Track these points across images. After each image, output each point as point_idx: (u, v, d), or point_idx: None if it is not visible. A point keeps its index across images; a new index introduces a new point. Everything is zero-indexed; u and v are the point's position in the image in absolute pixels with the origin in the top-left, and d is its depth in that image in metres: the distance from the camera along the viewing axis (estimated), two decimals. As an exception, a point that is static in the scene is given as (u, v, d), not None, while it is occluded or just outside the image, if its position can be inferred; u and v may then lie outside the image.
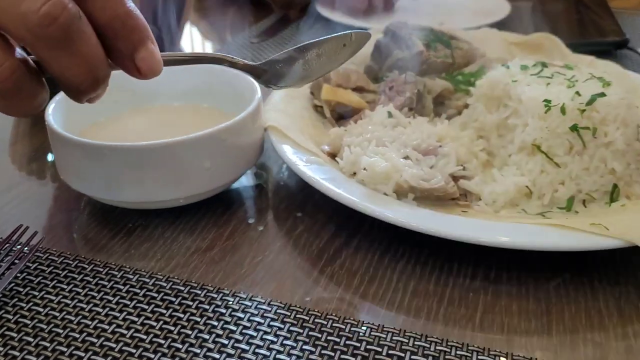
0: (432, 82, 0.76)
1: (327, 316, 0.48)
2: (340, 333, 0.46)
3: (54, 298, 0.50)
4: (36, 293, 0.51)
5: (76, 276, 0.53)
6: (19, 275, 0.52)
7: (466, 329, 0.48)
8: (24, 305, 0.49)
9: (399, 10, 1.25)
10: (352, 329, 0.47)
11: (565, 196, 0.57)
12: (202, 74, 0.71)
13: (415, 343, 0.46)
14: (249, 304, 0.49)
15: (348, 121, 0.72)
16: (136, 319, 0.48)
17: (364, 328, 0.47)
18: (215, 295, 0.50)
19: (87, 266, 0.54)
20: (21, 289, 0.51)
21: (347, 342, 0.46)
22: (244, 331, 0.46)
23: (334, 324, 0.47)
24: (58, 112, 0.62)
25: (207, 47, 1.24)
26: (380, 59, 0.81)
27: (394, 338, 0.46)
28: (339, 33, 0.56)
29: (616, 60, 1.01)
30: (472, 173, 0.60)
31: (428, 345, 0.46)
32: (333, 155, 0.65)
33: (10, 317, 0.48)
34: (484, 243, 0.50)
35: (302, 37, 1.15)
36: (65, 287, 0.51)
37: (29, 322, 0.48)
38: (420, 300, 0.51)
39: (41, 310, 0.49)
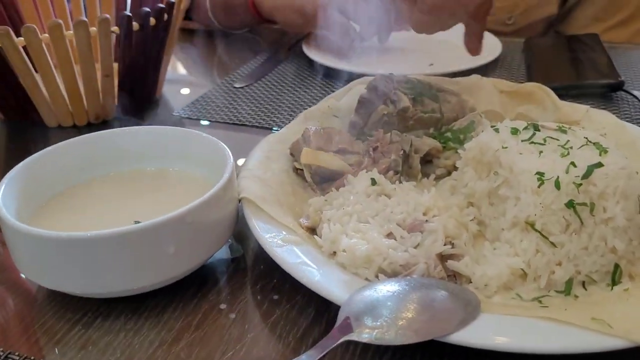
0: (420, 140, 0.72)
1: None
2: None
3: (-3, 412, 0.45)
4: (-22, 405, 0.46)
5: (24, 383, 0.48)
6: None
7: None
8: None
9: (388, 51, 1.21)
10: None
11: (563, 279, 0.52)
12: (172, 136, 0.67)
13: None
14: (214, 418, 0.44)
15: (331, 185, 0.67)
16: None
17: None
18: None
19: (36, 369, 0.49)
20: (-38, 400, 0.46)
21: None
22: None
23: None
24: (13, 189, 0.57)
25: (192, 88, 1.20)
26: (364, 114, 0.77)
27: None
28: None
29: (612, 103, 0.98)
30: (461, 251, 0.55)
31: None
32: (312, 230, 0.61)
33: None
34: (477, 346, 0.45)
35: (289, 80, 1.11)
36: (10, 397, 0.46)
37: None
38: (406, 406, 0.46)
39: None
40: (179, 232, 0.52)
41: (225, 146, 0.62)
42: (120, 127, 0.69)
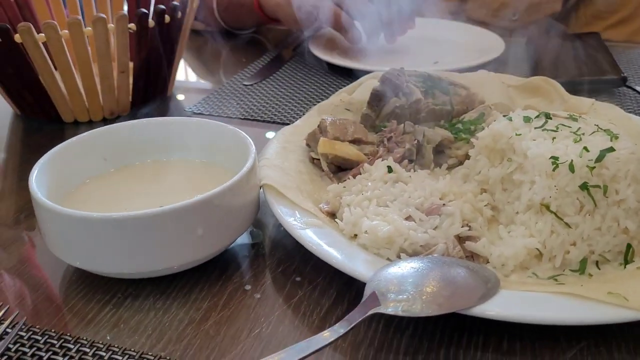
0: (432, 131, 0.74)
1: (332, 401, 0.45)
2: (346, 422, 0.43)
3: (35, 386, 0.47)
4: (17, 379, 0.47)
5: (60, 358, 0.49)
6: (-2, 359, 0.49)
7: (480, 411, 0.45)
8: (3, 394, 0.46)
9: (393, 50, 1.23)
10: (359, 416, 0.44)
11: (578, 258, 0.54)
12: (194, 127, 0.68)
13: None
14: (247, 389, 0.46)
15: (347, 174, 0.69)
16: (125, 410, 0.44)
17: (372, 415, 0.44)
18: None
19: (72, 346, 0.50)
20: (1, 375, 0.48)
21: None
22: (241, 422, 0.43)
23: (338, 411, 0.44)
24: (43, 175, 0.59)
25: (201, 86, 1.21)
26: (377, 106, 0.79)
27: None
28: None
29: (615, 99, 1.00)
30: (478, 233, 0.57)
31: None
32: (332, 214, 0.62)
33: (-11, 408, 0.45)
34: (499, 318, 0.47)
35: (297, 78, 1.13)
36: (48, 372, 0.48)
37: (8, 414, 0.44)
38: (430, 378, 0.48)
39: (22, 400, 0.45)
40: (207, 215, 0.54)
41: (247, 136, 0.64)
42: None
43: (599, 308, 0.47)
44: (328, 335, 0.44)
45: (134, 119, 0.93)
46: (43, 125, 0.95)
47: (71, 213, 0.51)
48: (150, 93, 0.97)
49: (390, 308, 0.46)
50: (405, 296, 0.47)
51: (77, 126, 0.95)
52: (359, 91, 0.85)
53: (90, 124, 0.95)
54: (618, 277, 0.53)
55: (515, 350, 0.50)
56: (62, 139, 0.96)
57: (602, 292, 0.48)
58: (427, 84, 0.80)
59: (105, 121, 0.95)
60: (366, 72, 0.96)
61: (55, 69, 0.87)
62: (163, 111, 1.01)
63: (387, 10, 1.15)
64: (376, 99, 0.79)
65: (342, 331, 0.44)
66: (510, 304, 0.48)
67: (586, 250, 0.54)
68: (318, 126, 0.72)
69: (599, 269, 0.54)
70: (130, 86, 0.94)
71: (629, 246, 0.55)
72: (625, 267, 0.54)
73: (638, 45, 1.32)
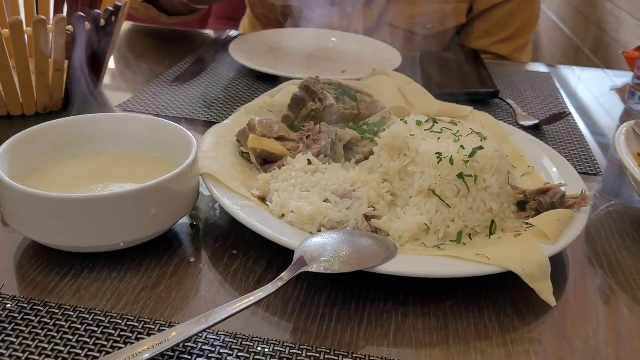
0: (342, 131, 0.87)
1: (269, 341, 0.57)
2: (282, 356, 0.55)
3: (14, 340, 0.54)
4: (-5, 337, 0.54)
5: (33, 318, 0.57)
6: (-25, 320, 0.56)
7: (383, 346, 0.59)
8: (-16, 348, 0.53)
9: (306, 58, 1.36)
10: (291, 351, 0.56)
11: (455, 231, 0.70)
12: (137, 123, 0.77)
13: None
14: (200, 334, 0.56)
15: (272, 166, 0.81)
16: (98, 355, 0.53)
17: (300, 350, 0.56)
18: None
19: (42, 308, 0.58)
20: (-21, 334, 0.55)
21: (288, 362, 0.55)
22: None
23: (275, 348, 0.56)
24: (3, 160, 0.65)
25: (127, 85, 1.27)
26: (296, 109, 0.92)
27: (326, 357, 0.56)
28: None
29: (490, 108, 1.20)
30: (381, 213, 0.71)
31: (354, 360, 0.56)
32: (262, 199, 0.74)
33: (-28, 360, 0.52)
34: (396, 274, 0.61)
35: (220, 81, 1.23)
36: (24, 329, 0.56)
37: (-8, 364, 0.52)
38: (344, 323, 0.61)
39: (4, 352, 0.53)
40: (160, 197, 0.63)
41: (188, 132, 0.74)
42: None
43: (469, 265, 0.63)
44: (271, 287, 0.55)
45: (66, 114, 0.99)
46: (-27, 118, 0.98)
47: (36, 194, 0.59)
48: (83, 90, 1.03)
49: (315, 267, 0.59)
50: (326, 258, 0.59)
51: (10, 120, 0.99)
52: (280, 95, 0.97)
53: (23, 118, 0.99)
54: (484, 244, 0.69)
55: (408, 301, 0.65)
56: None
57: (471, 254, 0.64)
58: (338, 92, 0.94)
59: (38, 116, 1.00)
60: (283, 78, 1.08)
61: (-8, 64, 0.91)
62: (93, 107, 1.07)
63: None
64: (295, 102, 0.92)
65: (280, 284, 0.56)
66: (405, 264, 0.62)
67: (462, 225, 0.70)
68: (247, 125, 0.84)
69: (471, 239, 0.71)
70: (64, 83, 0.99)
71: (492, 222, 0.71)
72: (490, 237, 0.71)
73: (510, 64, 1.55)
